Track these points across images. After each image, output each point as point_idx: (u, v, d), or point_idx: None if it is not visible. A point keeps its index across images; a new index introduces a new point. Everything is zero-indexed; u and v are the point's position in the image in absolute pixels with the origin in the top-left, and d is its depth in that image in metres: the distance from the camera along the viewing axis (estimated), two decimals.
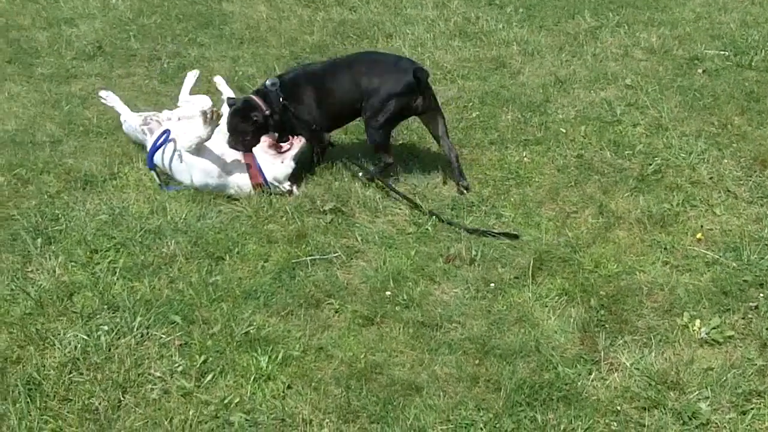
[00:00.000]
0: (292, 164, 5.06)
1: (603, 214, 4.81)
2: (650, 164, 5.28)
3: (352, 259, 4.48)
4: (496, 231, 4.64)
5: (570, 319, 3.99)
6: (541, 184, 5.15)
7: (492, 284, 4.24)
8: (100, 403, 3.52)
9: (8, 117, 6.14)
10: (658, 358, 3.73)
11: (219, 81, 5.76)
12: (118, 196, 5.04)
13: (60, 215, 4.81)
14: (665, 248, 4.50)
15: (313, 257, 4.46)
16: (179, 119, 5.31)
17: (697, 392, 3.55)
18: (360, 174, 5.15)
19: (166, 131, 5.17)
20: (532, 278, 4.26)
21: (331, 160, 5.30)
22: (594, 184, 5.11)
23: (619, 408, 3.51)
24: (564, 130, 5.77)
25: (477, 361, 3.73)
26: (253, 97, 5.10)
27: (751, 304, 4.05)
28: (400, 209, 4.88)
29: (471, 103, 6.22)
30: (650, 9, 8.22)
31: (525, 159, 5.42)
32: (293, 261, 4.43)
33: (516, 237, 4.59)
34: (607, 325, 3.95)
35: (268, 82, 5.12)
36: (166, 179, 5.18)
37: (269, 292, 4.20)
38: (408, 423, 3.44)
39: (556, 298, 4.14)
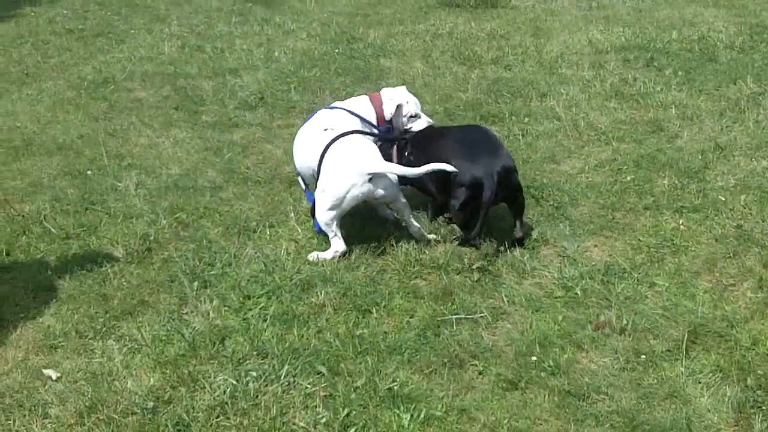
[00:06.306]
0: None
1: (763, 289, 4.60)
2: None
3: (497, 320, 4.44)
4: None
5: (724, 398, 3.81)
6: (698, 253, 4.98)
7: (643, 356, 4.10)
8: None
9: (173, 162, 6.43)
10: None
11: None
12: (272, 245, 5.17)
13: (217, 260, 4.98)
14: None
15: (458, 316, 4.45)
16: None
17: None
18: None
19: None
20: (685, 352, 4.11)
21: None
22: (754, 257, 4.90)
23: None
24: (723, 199, 5.58)
25: None
26: None
27: None
28: (548, 271, 4.82)
29: (625, 166, 6.10)
30: None
31: (681, 226, 5.26)
32: (438, 318, 4.43)
33: None
34: (764, 407, 3.75)
35: None
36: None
37: (414, 349, 4.20)
38: None
39: (710, 374, 3.97)
